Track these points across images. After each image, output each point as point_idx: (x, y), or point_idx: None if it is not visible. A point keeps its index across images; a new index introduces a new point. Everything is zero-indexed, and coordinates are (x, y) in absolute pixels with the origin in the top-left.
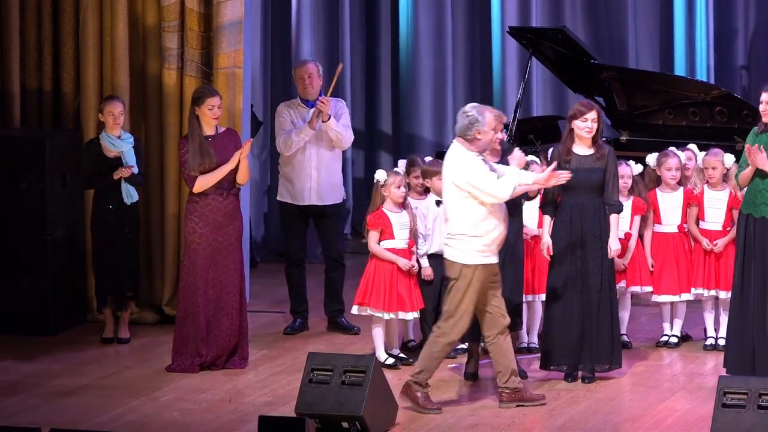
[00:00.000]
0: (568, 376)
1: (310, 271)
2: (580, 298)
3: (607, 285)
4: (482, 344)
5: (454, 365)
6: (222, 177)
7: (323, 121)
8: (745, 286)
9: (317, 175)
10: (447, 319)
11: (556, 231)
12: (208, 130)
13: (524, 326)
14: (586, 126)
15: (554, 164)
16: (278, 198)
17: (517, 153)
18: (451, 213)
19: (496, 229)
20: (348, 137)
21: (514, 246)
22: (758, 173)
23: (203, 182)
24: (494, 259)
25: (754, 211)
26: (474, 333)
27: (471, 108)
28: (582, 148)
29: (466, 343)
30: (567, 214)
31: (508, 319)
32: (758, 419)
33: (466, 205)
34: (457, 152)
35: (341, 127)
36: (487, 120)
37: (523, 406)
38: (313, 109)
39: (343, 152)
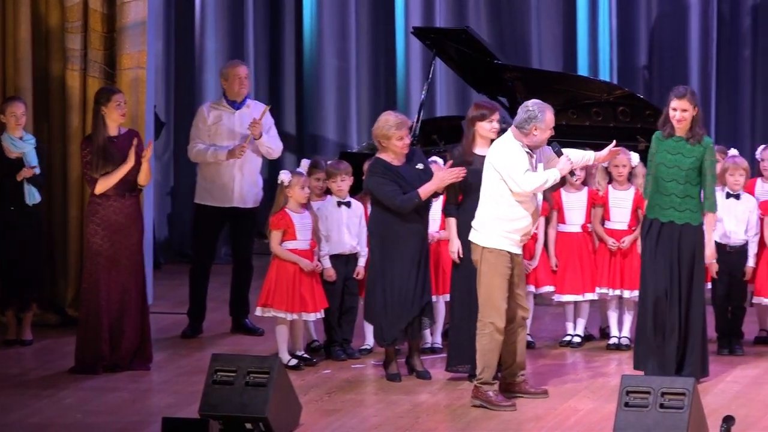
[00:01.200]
0: (471, 376)
1: (216, 272)
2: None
3: None
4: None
5: (358, 365)
6: (122, 177)
7: (255, 139)
8: (658, 288)
9: (241, 177)
10: (481, 308)
11: (459, 232)
12: (112, 131)
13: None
14: (492, 127)
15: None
16: (197, 200)
17: (563, 159)
18: (483, 196)
19: (523, 220)
20: (278, 148)
21: (422, 246)
22: (658, 177)
23: (104, 183)
24: (517, 249)
25: (661, 216)
26: (386, 334)
27: (533, 104)
28: (484, 149)
29: (371, 344)
30: (471, 215)
31: (527, 313)
32: (660, 418)
33: (497, 188)
34: (507, 139)
35: (272, 141)
36: (546, 119)
37: (521, 397)
38: (237, 146)
39: None
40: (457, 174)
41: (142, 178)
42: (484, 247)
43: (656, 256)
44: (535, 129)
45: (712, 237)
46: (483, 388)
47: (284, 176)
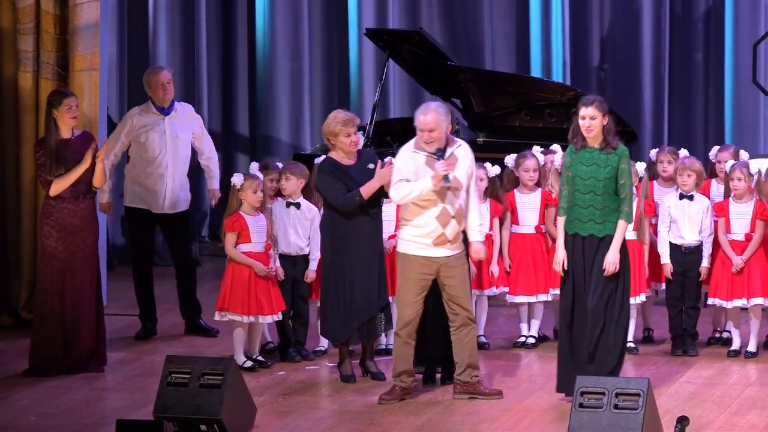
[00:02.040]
0: (426, 377)
1: (166, 274)
2: (435, 300)
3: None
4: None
5: (312, 367)
6: (77, 179)
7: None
8: (578, 303)
9: (172, 183)
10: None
11: None
12: (65, 133)
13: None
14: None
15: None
16: (128, 203)
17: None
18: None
19: (429, 224)
20: (216, 159)
21: (375, 247)
22: (574, 190)
23: (59, 185)
24: (430, 252)
25: (581, 230)
26: (339, 334)
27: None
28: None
29: (325, 346)
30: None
31: (468, 312)
32: (615, 419)
33: None
34: (408, 143)
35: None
36: (416, 122)
37: (476, 398)
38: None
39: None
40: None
41: (97, 179)
42: (398, 252)
43: (578, 273)
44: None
45: (618, 245)
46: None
47: (236, 179)
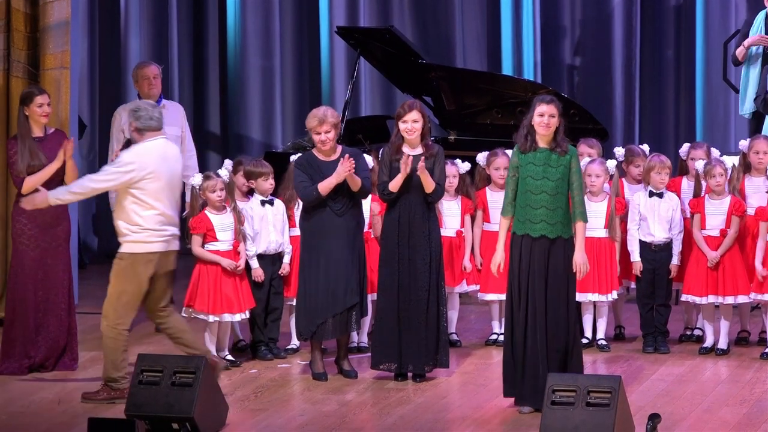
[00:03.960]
0: (398, 375)
1: None
2: (407, 298)
3: (435, 284)
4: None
5: (284, 365)
6: (48, 177)
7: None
8: (522, 306)
9: None
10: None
11: (385, 230)
12: (38, 131)
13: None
14: (406, 127)
15: None
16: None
17: None
18: None
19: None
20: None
21: (349, 243)
22: (525, 191)
23: (31, 183)
24: None
25: (531, 231)
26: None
27: None
28: (413, 149)
29: (297, 344)
30: (396, 213)
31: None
32: (587, 416)
33: None
34: None
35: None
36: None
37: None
38: None
39: None
40: (348, 168)
41: (68, 177)
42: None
43: (526, 274)
44: None
45: (582, 245)
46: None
47: (195, 180)
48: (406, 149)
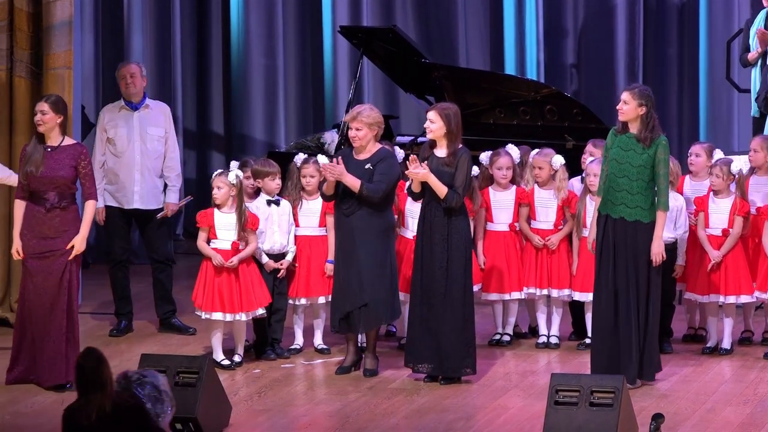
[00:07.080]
0: (429, 377)
1: (142, 272)
2: (428, 301)
3: (452, 287)
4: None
5: (288, 365)
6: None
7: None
8: (605, 285)
9: (141, 177)
10: None
11: (417, 231)
12: (51, 140)
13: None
14: (427, 126)
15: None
16: (99, 203)
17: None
18: None
19: None
20: (177, 170)
21: (348, 242)
22: (610, 172)
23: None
24: None
25: (612, 212)
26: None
27: None
28: (438, 150)
29: (300, 344)
30: (421, 214)
31: None
32: (590, 416)
33: None
34: None
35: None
36: None
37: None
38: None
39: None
40: (331, 170)
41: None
42: None
43: (606, 252)
44: None
45: (660, 234)
46: None
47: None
48: (436, 150)
